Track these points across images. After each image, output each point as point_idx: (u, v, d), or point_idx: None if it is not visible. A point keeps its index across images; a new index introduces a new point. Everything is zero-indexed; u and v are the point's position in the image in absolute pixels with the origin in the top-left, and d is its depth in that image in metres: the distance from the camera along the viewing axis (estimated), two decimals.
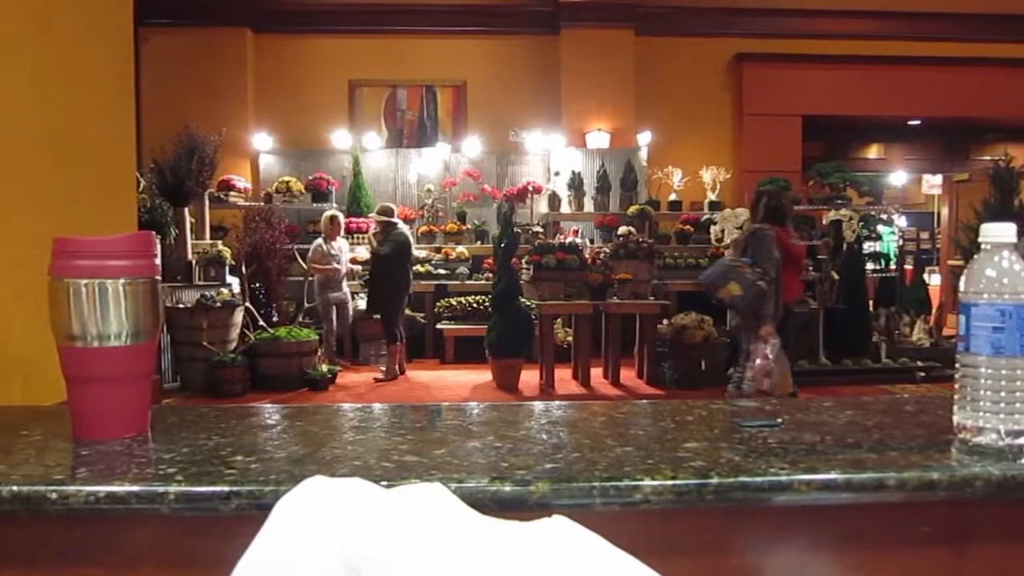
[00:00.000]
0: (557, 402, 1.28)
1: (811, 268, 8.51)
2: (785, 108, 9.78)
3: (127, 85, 1.57)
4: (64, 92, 1.30)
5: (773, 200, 5.40)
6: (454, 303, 8.54)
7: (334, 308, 7.55)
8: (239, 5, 9.25)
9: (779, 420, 1.07)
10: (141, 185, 6.72)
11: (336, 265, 7.47)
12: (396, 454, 0.93)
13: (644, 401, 1.33)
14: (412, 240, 7.60)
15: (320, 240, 7.62)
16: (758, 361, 4.86)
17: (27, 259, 0.99)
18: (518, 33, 9.69)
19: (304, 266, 7.67)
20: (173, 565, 0.84)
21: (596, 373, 7.19)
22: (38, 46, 1.24)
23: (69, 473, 0.84)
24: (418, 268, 8.58)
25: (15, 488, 0.79)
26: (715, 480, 0.83)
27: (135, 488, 0.79)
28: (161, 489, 0.79)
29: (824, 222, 8.48)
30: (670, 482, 0.83)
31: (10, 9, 1.17)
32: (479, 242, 9.12)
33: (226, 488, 0.79)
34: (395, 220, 7.28)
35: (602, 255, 7.43)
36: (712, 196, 9.40)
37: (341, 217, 7.81)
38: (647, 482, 0.83)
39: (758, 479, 0.84)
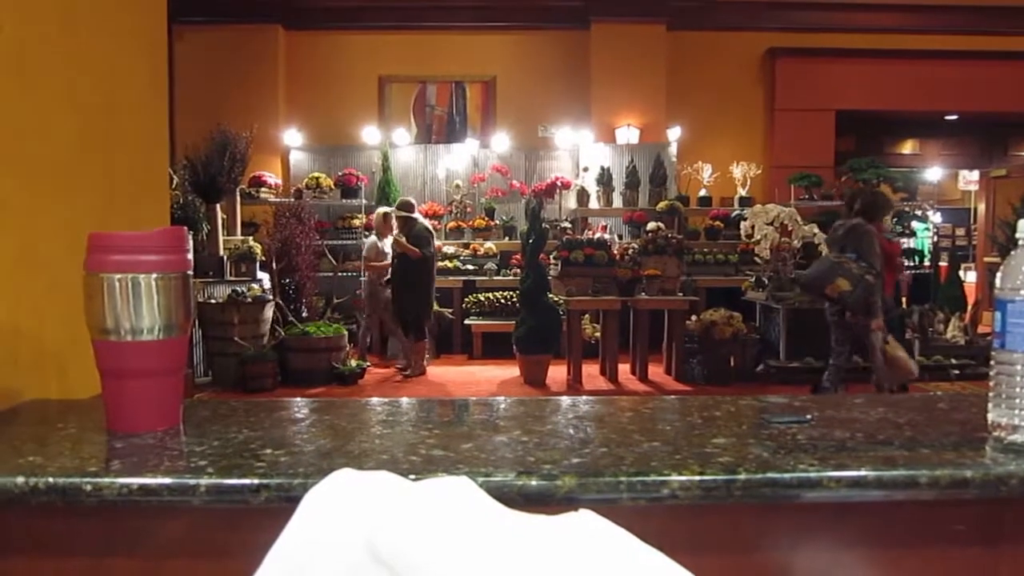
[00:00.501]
0: (584, 397, 1.28)
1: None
2: (818, 103, 9.64)
3: (161, 82, 1.59)
4: (97, 89, 1.32)
5: (869, 197, 5.38)
6: (482, 299, 8.55)
7: (383, 304, 7.58)
8: (271, 2, 9.34)
9: (809, 416, 1.06)
10: (174, 182, 6.83)
11: (387, 262, 7.50)
12: (423, 448, 0.93)
13: (672, 397, 1.32)
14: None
15: (374, 237, 7.66)
16: (879, 355, 5.04)
17: (62, 254, 1.01)
18: (548, 28, 9.66)
19: (334, 262, 7.73)
20: (204, 556, 0.85)
21: (624, 369, 7.16)
22: (70, 43, 1.26)
23: (103, 465, 0.86)
24: (446, 264, 8.61)
25: (51, 480, 0.81)
26: (743, 476, 0.83)
27: (167, 480, 0.80)
28: (192, 482, 0.80)
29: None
30: (697, 478, 0.82)
31: (42, 6, 1.19)
32: (507, 238, 9.13)
33: (256, 481, 0.80)
34: (415, 215, 7.28)
35: (631, 251, 7.39)
36: (742, 192, 9.30)
37: (393, 215, 7.82)
38: (674, 477, 0.82)
39: (787, 475, 0.83)
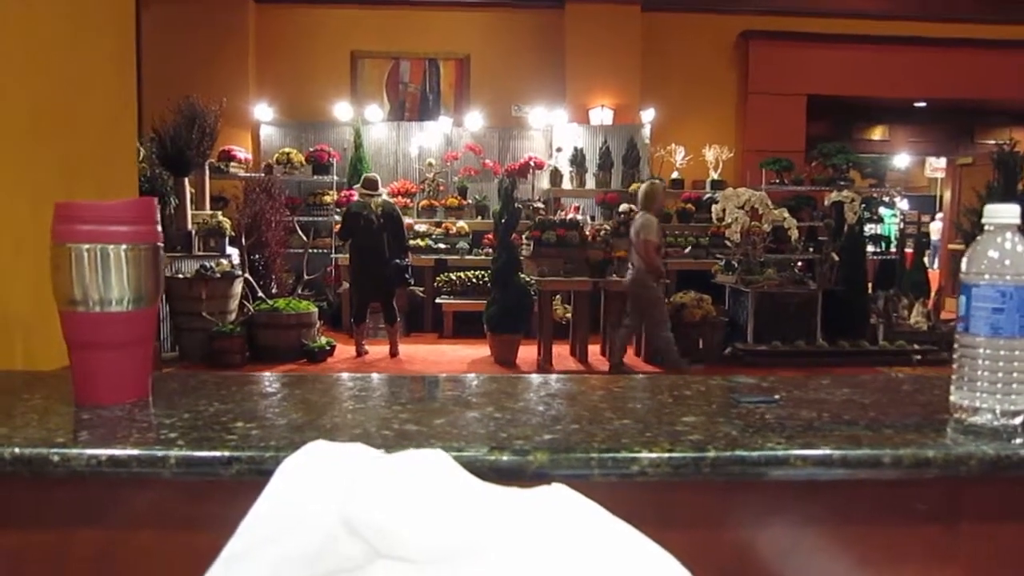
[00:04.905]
0: (555, 375, 1.28)
1: (811, 249, 8.50)
2: (790, 87, 9.70)
3: (128, 53, 1.56)
4: (59, 59, 1.29)
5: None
6: (453, 278, 8.54)
7: None
8: None
9: (777, 397, 1.08)
10: (141, 155, 6.69)
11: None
12: (396, 423, 0.94)
13: (641, 376, 1.33)
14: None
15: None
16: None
17: (26, 225, 0.99)
18: (523, 7, 9.59)
19: (304, 239, 7.66)
20: (174, 528, 0.84)
21: (594, 350, 7.22)
22: (29, 14, 1.23)
23: (71, 436, 0.84)
24: (418, 242, 8.57)
25: (17, 450, 0.79)
26: (712, 454, 0.84)
27: (136, 452, 0.80)
28: (162, 453, 0.80)
29: (826, 203, 8.46)
30: (667, 455, 0.84)
31: None
32: (480, 217, 9.11)
33: (227, 453, 0.80)
34: (380, 192, 7.22)
35: (603, 232, 7.42)
36: (715, 175, 9.37)
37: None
38: (645, 454, 0.83)
39: (755, 453, 0.85)
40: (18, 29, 1.18)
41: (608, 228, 7.53)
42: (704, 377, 1.23)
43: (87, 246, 0.93)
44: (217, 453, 0.80)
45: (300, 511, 0.54)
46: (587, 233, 7.25)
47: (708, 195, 9.07)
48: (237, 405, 1.00)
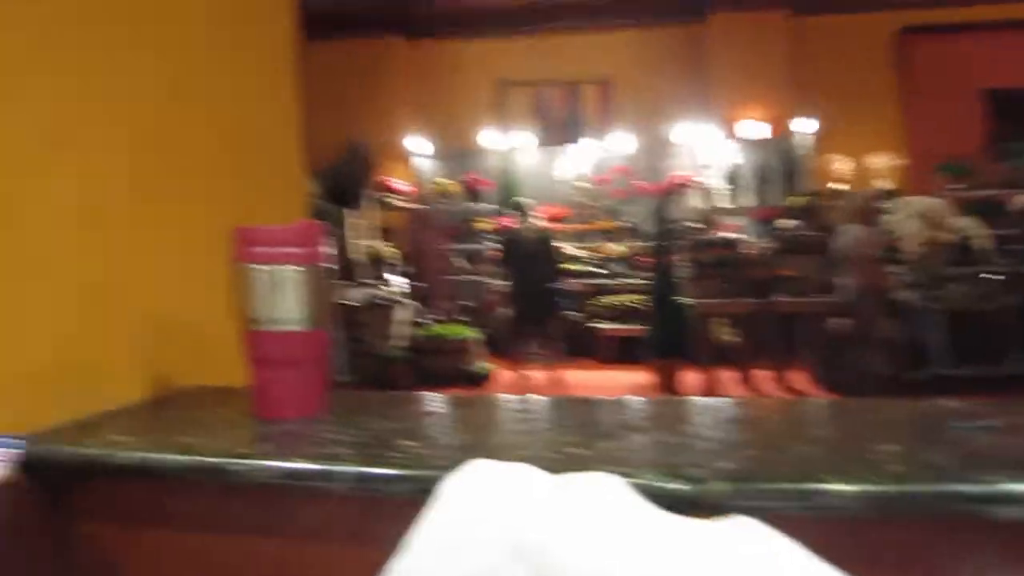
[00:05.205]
0: (727, 399, 1.20)
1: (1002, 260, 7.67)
2: (961, 83, 8.75)
3: (292, 95, 1.67)
4: (237, 103, 1.39)
5: None
6: (610, 302, 8.46)
7: None
8: (393, 15, 9.65)
9: (996, 423, 0.94)
10: (311, 190, 7.16)
11: None
12: (562, 445, 0.90)
13: (824, 400, 1.22)
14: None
15: None
16: None
17: (217, 250, 1.05)
18: (664, 24, 9.44)
19: (463, 266, 7.89)
20: (342, 543, 0.85)
21: (762, 376, 6.87)
22: (214, 63, 1.34)
23: (252, 448, 0.88)
24: (572, 267, 8.57)
25: (205, 459, 0.84)
26: (918, 487, 0.74)
27: (311, 466, 0.81)
28: (334, 468, 0.80)
29: (1016, 208, 7.62)
30: (864, 487, 0.74)
31: (192, 32, 1.27)
32: (633, 239, 8.99)
33: (394, 471, 0.80)
34: (532, 217, 7.29)
35: (764, 250, 7.09)
36: (881, 184, 8.70)
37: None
38: (838, 486, 0.74)
39: (971, 487, 0.73)
40: (205, 84, 1.29)
41: (769, 245, 7.18)
42: (900, 401, 1.10)
43: (261, 267, 0.97)
44: (385, 471, 0.80)
45: (466, 532, 0.51)
46: (747, 251, 6.96)
47: (877, 206, 8.44)
48: (404, 423, 1.00)
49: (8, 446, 0.83)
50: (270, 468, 0.82)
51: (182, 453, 0.86)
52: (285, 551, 0.86)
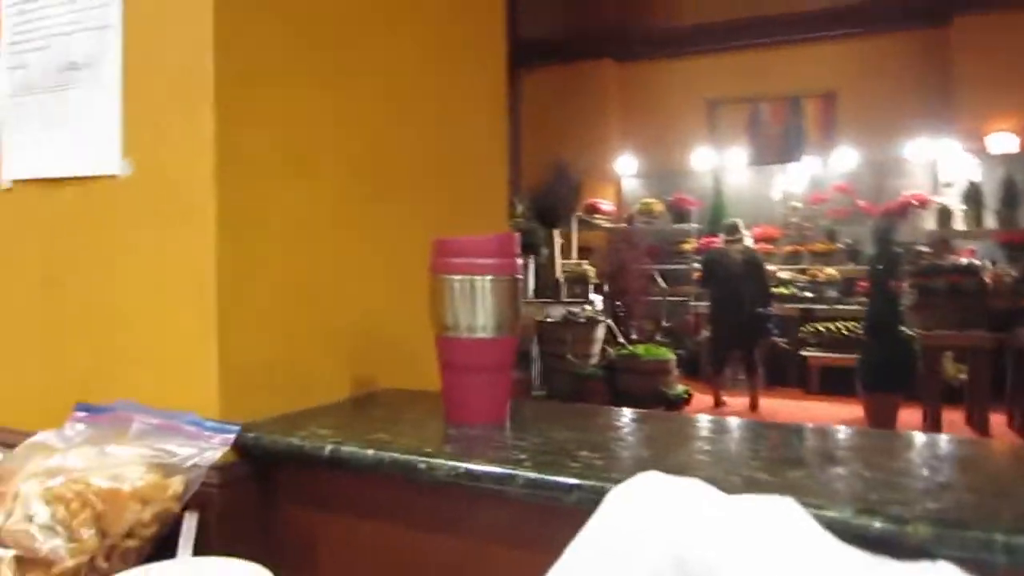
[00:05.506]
0: (945, 435, 1.08)
1: None
2: None
3: (500, 117, 1.75)
4: (448, 119, 1.48)
5: None
6: (821, 329, 7.92)
7: None
8: (601, 38, 9.74)
9: None
10: (519, 209, 7.42)
11: None
12: (745, 469, 0.86)
13: None
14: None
15: None
16: None
17: (414, 259, 1.13)
18: (899, 30, 8.69)
19: (664, 286, 7.77)
20: (517, 547, 0.87)
21: (997, 420, 6.08)
22: (429, 85, 1.44)
23: (437, 448, 0.93)
24: (782, 290, 8.14)
25: (395, 455, 0.90)
26: None
27: (489, 468, 0.84)
28: (512, 472, 0.83)
29: None
30: None
31: (412, 57, 1.38)
32: (851, 263, 8.35)
33: (570, 480, 0.80)
34: (742, 237, 7.03)
35: (1009, 278, 6.30)
36: None
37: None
38: None
39: None
40: (420, 107, 1.41)
41: (1015, 274, 6.37)
42: None
43: (458, 277, 1.02)
44: (561, 479, 0.81)
45: (630, 542, 0.51)
46: (987, 279, 6.21)
47: None
48: (585, 435, 1.01)
49: (226, 431, 0.94)
50: (451, 467, 0.86)
51: (375, 448, 0.93)
52: (461, 548, 0.90)
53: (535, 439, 0.96)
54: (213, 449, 0.92)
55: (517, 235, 1.12)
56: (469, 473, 0.84)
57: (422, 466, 0.88)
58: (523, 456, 0.88)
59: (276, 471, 1.01)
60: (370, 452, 0.92)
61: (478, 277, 1.02)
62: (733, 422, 1.17)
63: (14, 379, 1.21)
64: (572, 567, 0.52)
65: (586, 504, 0.77)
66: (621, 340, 7.33)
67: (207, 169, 1.00)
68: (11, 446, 0.96)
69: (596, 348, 7.29)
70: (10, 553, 0.79)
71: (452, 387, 1.04)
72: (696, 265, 8.26)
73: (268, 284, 1.08)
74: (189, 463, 0.89)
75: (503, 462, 0.85)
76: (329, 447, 0.95)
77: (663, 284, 7.86)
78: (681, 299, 8.71)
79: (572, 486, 0.79)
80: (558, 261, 8.17)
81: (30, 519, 0.80)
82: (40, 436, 0.95)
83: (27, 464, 0.88)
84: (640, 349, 7.15)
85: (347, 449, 0.94)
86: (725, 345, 7.04)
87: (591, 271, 8.18)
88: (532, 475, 0.82)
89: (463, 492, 0.87)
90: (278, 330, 1.10)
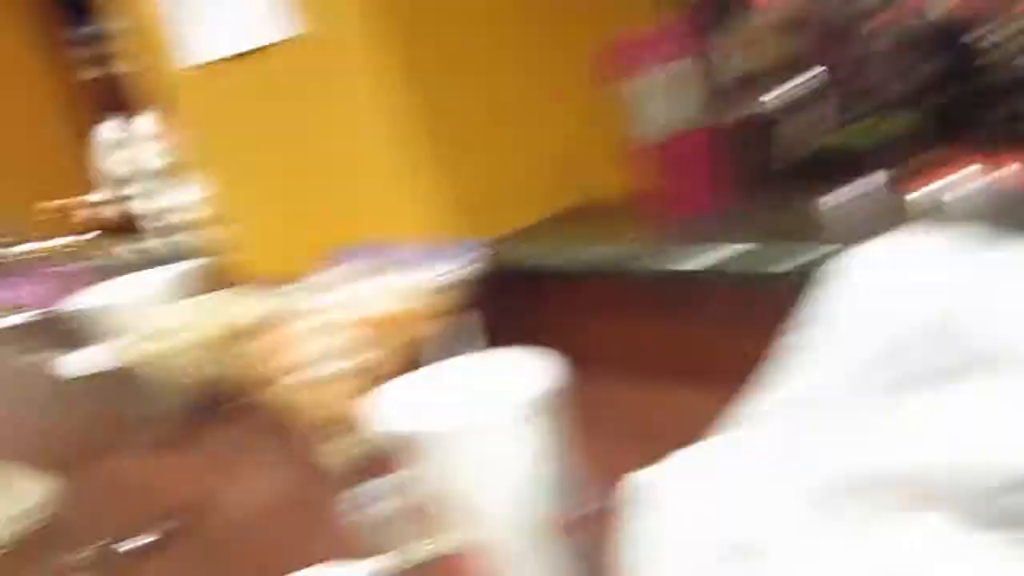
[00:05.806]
0: None
1: None
2: None
3: None
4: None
5: None
6: None
7: None
8: None
9: None
10: None
11: None
12: None
13: None
14: None
15: None
16: None
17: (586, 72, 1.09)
18: None
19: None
20: (743, 329, 0.86)
21: None
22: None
23: (653, 245, 0.95)
24: None
25: (619, 256, 0.94)
26: None
27: (709, 257, 0.86)
28: (725, 256, 0.84)
29: None
30: None
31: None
32: None
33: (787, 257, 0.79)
34: None
35: None
36: None
37: None
38: None
39: None
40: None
41: None
42: None
43: (649, 72, 0.98)
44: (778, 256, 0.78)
45: (879, 301, 0.46)
46: None
47: None
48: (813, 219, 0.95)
49: (468, 252, 1.02)
50: (697, 254, 0.88)
51: (599, 250, 0.97)
52: (688, 334, 0.92)
53: (759, 224, 0.94)
54: (460, 269, 1.00)
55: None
56: (715, 260, 0.86)
57: (641, 265, 0.91)
58: (738, 243, 0.86)
59: (519, 284, 1.06)
60: (593, 255, 0.96)
61: (665, 68, 0.97)
62: None
63: (267, 235, 1.40)
64: (815, 332, 0.49)
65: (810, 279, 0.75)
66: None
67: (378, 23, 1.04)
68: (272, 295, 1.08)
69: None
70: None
71: (660, 184, 1.02)
72: None
73: (465, 120, 1.13)
74: (442, 284, 0.98)
75: (720, 249, 0.86)
76: (553, 257, 1.01)
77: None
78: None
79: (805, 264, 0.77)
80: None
81: (314, 353, 0.91)
82: (302, 281, 1.07)
83: (298, 306, 1.00)
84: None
85: (572, 256, 0.99)
86: None
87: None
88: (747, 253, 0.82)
89: (687, 283, 0.88)
90: (482, 161, 1.14)
